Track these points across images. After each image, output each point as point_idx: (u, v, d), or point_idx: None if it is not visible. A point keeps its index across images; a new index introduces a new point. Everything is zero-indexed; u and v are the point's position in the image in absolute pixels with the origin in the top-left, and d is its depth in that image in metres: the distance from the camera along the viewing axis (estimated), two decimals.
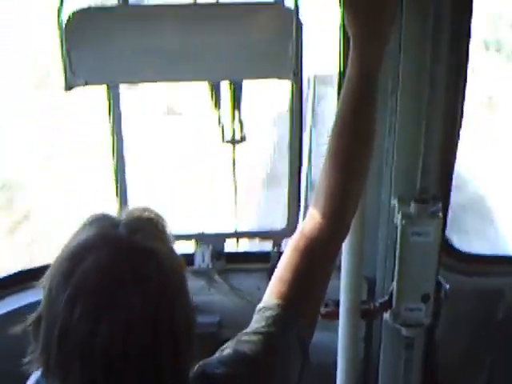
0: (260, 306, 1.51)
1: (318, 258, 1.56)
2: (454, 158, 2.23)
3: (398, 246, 2.22)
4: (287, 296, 1.50)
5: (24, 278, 2.65)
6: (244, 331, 1.48)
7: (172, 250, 1.31)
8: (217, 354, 1.45)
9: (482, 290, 2.64)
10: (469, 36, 2.08)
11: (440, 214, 2.18)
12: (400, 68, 2.11)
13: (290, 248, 1.58)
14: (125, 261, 1.21)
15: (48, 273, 1.25)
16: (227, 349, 1.45)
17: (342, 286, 2.26)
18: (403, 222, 2.17)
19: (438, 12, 1.98)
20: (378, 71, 1.63)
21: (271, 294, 1.52)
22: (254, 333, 1.46)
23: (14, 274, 2.77)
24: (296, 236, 1.58)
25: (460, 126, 2.17)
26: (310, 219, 1.58)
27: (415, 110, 2.12)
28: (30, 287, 2.52)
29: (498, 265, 2.73)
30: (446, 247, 2.48)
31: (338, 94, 2.24)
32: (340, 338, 2.31)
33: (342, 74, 2.14)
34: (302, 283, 1.53)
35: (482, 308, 2.64)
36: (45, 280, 1.25)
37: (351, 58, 1.63)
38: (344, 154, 1.59)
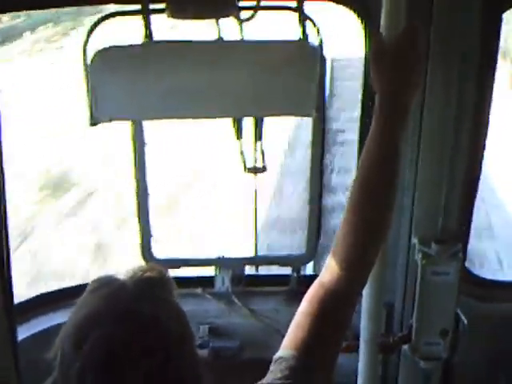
0: (277, 355, 1.52)
1: (336, 309, 1.58)
2: (474, 198, 2.25)
3: (417, 283, 2.25)
4: (304, 346, 1.51)
5: (55, 298, 2.70)
6: (260, 382, 1.49)
7: (177, 310, 1.35)
8: None
9: (500, 316, 2.66)
10: (493, 80, 2.09)
11: (460, 255, 2.21)
12: (424, 110, 2.13)
13: (308, 298, 1.59)
14: (131, 333, 1.26)
15: (60, 337, 1.31)
16: None
17: (363, 320, 2.30)
18: (424, 261, 2.20)
19: (465, 57, 2.00)
20: (404, 130, 1.65)
21: (289, 343, 1.53)
22: None
23: (44, 294, 2.82)
24: (315, 286, 1.60)
25: (480, 170, 2.19)
26: (329, 270, 1.60)
27: (438, 153, 2.15)
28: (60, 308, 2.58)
29: None
30: (464, 273, 2.50)
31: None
32: (360, 371, 2.35)
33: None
34: (320, 333, 1.54)
35: (499, 334, 2.66)
36: (57, 343, 1.30)
37: (376, 115, 1.64)
38: (364, 210, 1.61)
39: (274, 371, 1.50)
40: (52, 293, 2.79)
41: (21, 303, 2.63)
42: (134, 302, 1.29)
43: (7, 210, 2.01)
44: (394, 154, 1.62)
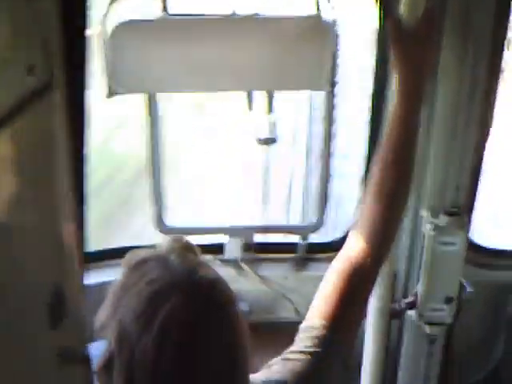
0: (304, 324, 1.62)
1: (362, 282, 1.69)
2: (481, 172, 2.33)
3: (424, 253, 2.34)
4: (332, 317, 1.60)
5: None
6: (290, 349, 1.58)
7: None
8: (265, 370, 1.57)
9: (501, 283, 2.76)
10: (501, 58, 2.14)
11: (467, 226, 2.29)
12: (438, 84, 2.18)
13: (335, 271, 1.68)
14: (200, 298, 1.32)
15: (109, 314, 1.33)
16: (275, 365, 1.56)
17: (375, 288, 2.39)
18: (433, 232, 2.28)
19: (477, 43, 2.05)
20: (422, 102, 1.73)
21: (316, 313, 1.62)
22: (301, 352, 1.56)
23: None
24: (343, 260, 1.69)
25: (486, 144, 2.26)
26: (354, 245, 1.70)
27: (451, 127, 2.21)
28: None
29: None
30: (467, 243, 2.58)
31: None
32: (369, 336, 2.45)
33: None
34: (347, 306, 1.63)
35: (494, 301, 2.77)
36: (108, 322, 1.33)
37: (397, 92, 1.72)
38: (386, 186, 1.71)
39: (304, 339, 1.57)
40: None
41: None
42: (189, 273, 1.33)
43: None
44: (415, 128, 1.72)
